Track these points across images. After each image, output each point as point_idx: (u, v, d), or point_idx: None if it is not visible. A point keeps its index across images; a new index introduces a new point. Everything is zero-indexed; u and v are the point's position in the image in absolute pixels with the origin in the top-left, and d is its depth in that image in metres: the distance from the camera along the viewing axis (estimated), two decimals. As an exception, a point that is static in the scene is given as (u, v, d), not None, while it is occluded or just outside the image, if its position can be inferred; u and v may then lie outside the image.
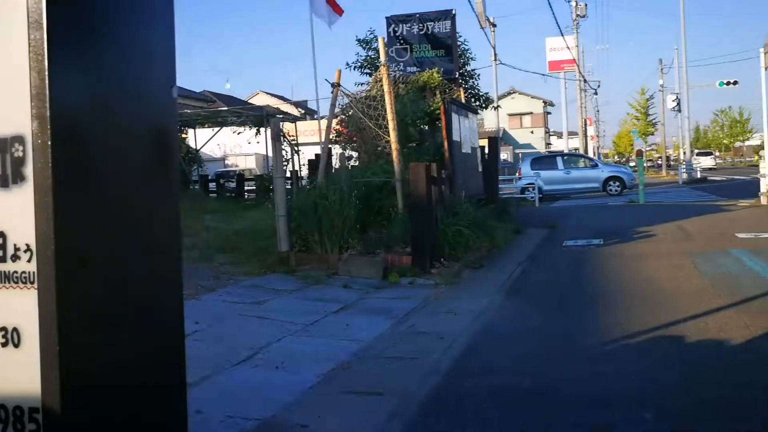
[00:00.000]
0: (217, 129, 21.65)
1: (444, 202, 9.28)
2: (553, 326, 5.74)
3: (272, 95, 54.51)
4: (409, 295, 7.07)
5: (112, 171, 1.81)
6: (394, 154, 8.97)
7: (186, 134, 21.59)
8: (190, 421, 2.25)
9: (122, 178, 1.85)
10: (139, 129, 1.91)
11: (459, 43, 15.54)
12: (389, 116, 9.07)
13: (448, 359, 4.76)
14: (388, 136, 9.14)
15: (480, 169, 12.59)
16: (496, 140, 14.47)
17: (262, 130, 20.10)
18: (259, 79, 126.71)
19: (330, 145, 12.44)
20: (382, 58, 9.35)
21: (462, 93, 14.28)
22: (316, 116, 21.46)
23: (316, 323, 5.82)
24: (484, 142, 14.31)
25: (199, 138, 22.11)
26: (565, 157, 25.42)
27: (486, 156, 13.55)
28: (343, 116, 11.49)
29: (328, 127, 9.35)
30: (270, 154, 19.86)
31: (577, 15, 38.92)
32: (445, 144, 10.07)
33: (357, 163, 11.63)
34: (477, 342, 5.29)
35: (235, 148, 31.38)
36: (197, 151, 21.55)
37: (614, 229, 12.03)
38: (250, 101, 56.54)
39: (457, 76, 14.63)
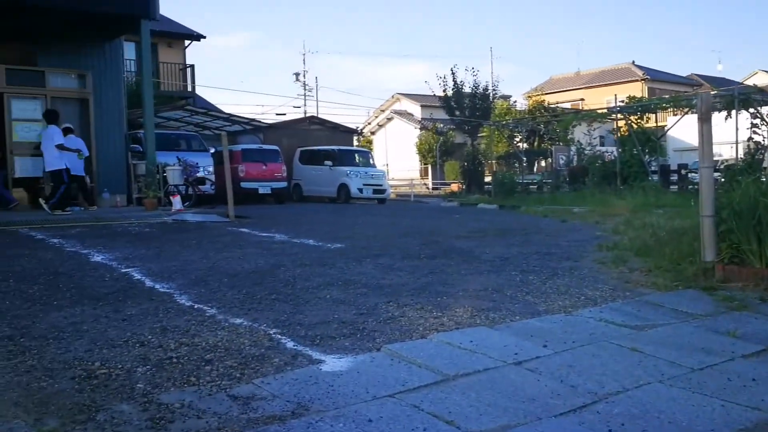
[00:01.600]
0: (678, 117, 19.34)
1: None
2: None
3: (773, 72, 48.02)
4: None
5: None
6: None
7: (648, 120, 19.89)
8: None
9: None
10: None
11: None
12: None
13: None
14: None
15: None
16: None
17: (733, 113, 17.13)
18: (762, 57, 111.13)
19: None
20: None
21: None
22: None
23: (708, 369, 4.18)
24: None
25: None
26: None
27: None
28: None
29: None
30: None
31: None
32: None
33: None
34: None
35: (719, 135, 27.98)
36: (659, 138, 19.59)
37: None
38: (744, 82, 51.27)
39: None
